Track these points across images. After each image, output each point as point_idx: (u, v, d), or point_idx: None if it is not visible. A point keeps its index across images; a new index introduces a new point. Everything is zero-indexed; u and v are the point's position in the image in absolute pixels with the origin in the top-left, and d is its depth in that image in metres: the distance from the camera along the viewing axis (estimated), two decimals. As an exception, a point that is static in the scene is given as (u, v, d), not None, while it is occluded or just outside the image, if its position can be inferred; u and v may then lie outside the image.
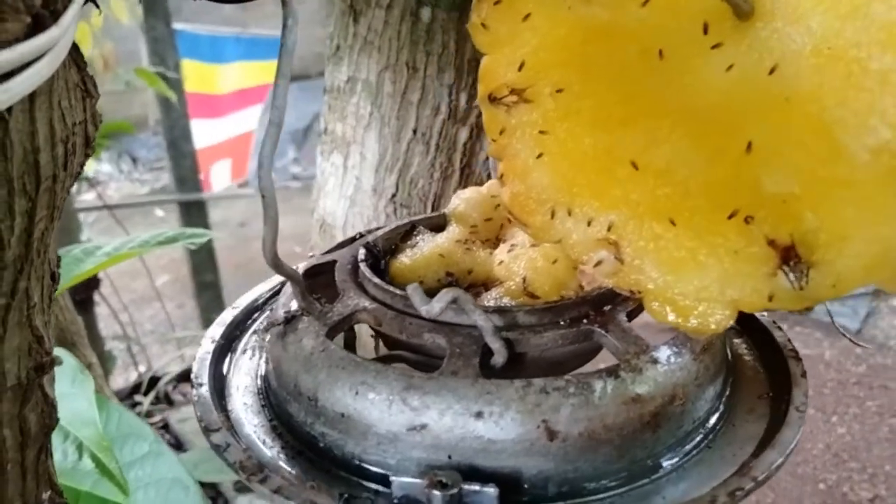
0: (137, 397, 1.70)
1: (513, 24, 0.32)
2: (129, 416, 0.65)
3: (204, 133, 2.15)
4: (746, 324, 0.41)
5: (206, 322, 2.09)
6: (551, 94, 0.32)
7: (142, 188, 3.63)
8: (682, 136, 0.29)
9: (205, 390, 0.36)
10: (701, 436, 0.33)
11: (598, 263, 0.32)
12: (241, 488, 1.26)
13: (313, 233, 0.75)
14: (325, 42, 0.69)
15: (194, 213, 2.18)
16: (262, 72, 2.26)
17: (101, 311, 1.62)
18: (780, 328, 0.40)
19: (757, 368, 0.38)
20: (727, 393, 0.35)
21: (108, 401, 0.68)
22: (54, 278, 0.36)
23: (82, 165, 0.35)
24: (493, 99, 0.33)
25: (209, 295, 2.23)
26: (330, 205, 0.71)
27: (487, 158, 0.62)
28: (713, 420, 0.34)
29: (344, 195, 0.70)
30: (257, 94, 2.30)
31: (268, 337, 0.37)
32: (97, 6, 0.29)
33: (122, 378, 1.88)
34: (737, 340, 0.40)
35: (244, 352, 0.41)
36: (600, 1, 0.30)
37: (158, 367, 1.93)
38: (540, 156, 0.33)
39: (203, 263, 2.20)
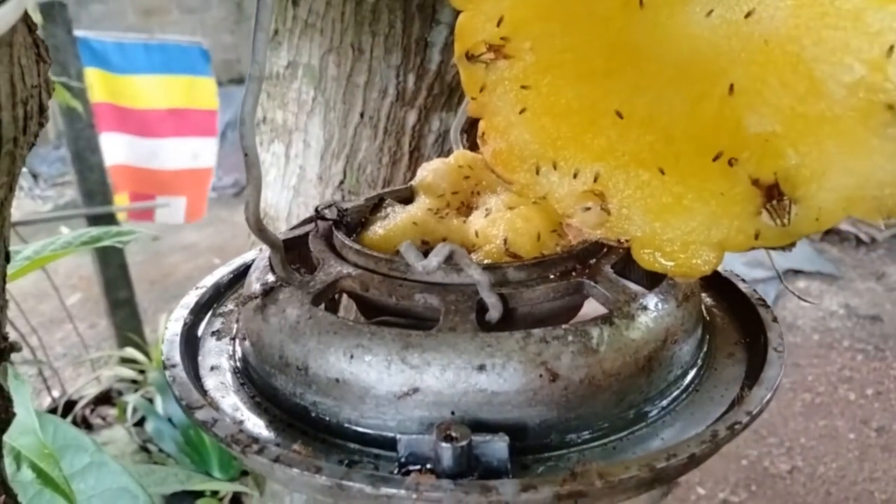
0: (53, 422, 1.60)
1: (490, -20, 0.32)
2: (65, 427, 0.61)
3: (123, 148, 2.00)
4: (711, 278, 0.42)
5: (122, 341, 1.99)
6: (532, 48, 0.32)
7: (44, 205, 3.43)
8: (665, 83, 0.30)
9: (179, 370, 0.34)
10: (688, 380, 0.34)
11: (586, 215, 0.32)
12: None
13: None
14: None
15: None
16: (184, 89, 2.07)
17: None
18: (743, 280, 0.41)
19: (727, 318, 0.40)
20: (706, 340, 0.36)
21: (41, 412, 0.63)
22: (8, 258, 0.34)
23: (36, 135, 0.33)
24: (470, 57, 0.33)
25: (124, 313, 2.12)
26: (272, 196, 0.69)
27: (437, 141, 0.62)
28: (697, 365, 0.35)
29: (287, 185, 0.68)
30: (198, 122, 2.08)
31: (242, 312, 0.36)
32: None
33: (35, 404, 1.77)
34: (704, 294, 0.41)
35: (211, 335, 0.39)
36: (578, -47, 0.31)
37: (74, 390, 1.83)
38: (522, 111, 0.33)
39: (116, 280, 2.09)
